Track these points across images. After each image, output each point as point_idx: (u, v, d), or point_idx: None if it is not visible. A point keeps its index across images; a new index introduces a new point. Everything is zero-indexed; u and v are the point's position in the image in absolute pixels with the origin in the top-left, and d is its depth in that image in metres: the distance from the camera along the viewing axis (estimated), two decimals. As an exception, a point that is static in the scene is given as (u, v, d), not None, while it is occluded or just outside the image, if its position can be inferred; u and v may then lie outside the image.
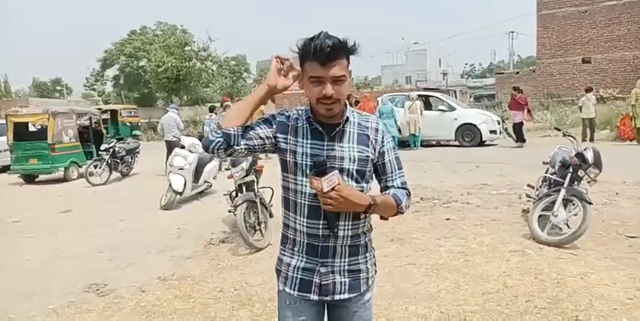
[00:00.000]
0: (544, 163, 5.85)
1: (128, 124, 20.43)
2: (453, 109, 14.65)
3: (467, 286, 3.76)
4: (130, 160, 11.36)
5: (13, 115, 11.34)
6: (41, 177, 11.38)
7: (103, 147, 10.76)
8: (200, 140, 9.22)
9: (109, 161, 10.52)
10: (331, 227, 1.64)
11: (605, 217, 5.54)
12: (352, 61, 1.64)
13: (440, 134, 14.76)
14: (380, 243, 4.87)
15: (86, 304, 3.82)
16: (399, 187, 1.76)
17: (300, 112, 1.73)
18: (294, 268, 1.72)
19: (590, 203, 4.60)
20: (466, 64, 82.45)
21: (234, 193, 5.76)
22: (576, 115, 16.68)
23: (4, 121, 11.69)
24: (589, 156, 4.94)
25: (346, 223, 1.67)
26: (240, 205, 5.04)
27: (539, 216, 4.91)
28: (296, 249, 1.72)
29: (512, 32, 45.66)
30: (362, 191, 1.66)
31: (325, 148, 1.65)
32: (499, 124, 14.59)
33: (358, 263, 1.74)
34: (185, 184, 7.49)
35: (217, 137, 1.65)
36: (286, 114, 1.73)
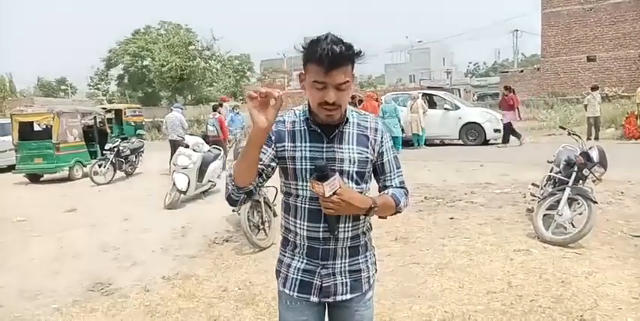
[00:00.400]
0: (549, 162, 5.84)
1: (132, 123, 20.49)
2: (457, 107, 14.62)
3: (471, 285, 3.75)
4: (134, 160, 11.39)
5: (18, 114, 11.39)
6: (46, 176, 11.44)
7: (107, 146, 10.80)
8: (204, 139, 9.26)
9: (114, 160, 10.55)
10: (332, 230, 1.63)
11: (610, 217, 5.51)
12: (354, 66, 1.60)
13: (444, 133, 14.73)
14: (383, 242, 4.87)
15: (90, 303, 3.83)
16: (397, 187, 1.76)
17: (297, 113, 1.69)
18: (295, 269, 1.71)
19: (595, 202, 4.57)
20: (470, 62, 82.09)
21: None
22: (581, 114, 16.62)
23: (9, 121, 11.75)
24: (594, 155, 4.92)
25: (346, 225, 1.66)
26: (244, 204, 5.04)
27: (544, 215, 4.89)
28: (296, 251, 1.71)
29: (517, 30, 45.34)
30: (361, 192, 1.65)
31: (325, 150, 1.63)
32: (503, 122, 14.50)
33: (359, 263, 1.73)
34: (189, 184, 7.50)
35: (240, 197, 1.63)
36: (281, 119, 1.67)
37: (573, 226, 4.73)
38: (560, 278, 3.77)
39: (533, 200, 5.76)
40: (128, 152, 11.00)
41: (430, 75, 56.17)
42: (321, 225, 1.63)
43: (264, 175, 1.63)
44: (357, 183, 1.66)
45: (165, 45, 29.19)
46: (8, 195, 9.71)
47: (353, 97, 15.48)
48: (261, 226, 5.22)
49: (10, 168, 11.86)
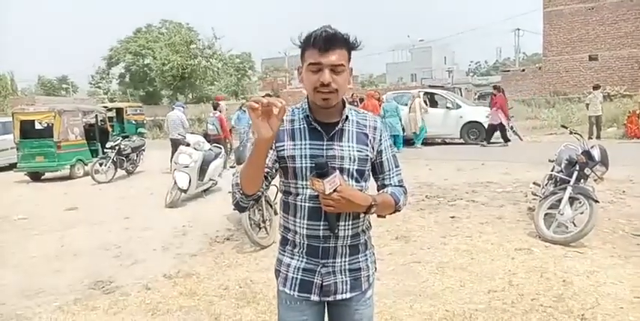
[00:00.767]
0: (550, 161, 5.83)
1: (133, 122, 20.47)
2: (458, 106, 14.59)
3: (472, 284, 3.75)
4: (135, 158, 11.40)
5: (19, 113, 11.41)
6: (47, 175, 11.44)
7: (108, 145, 10.80)
8: (204, 138, 9.25)
9: (115, 159, 10.56)
10: (332, 228, 1.62)
11: (611, 216, 5.51)
12: (357, 59, 1.62)
13: (445, 132, 14.71)
14: (384, 241, 4.87)
15: (92, 301, 3.84)
16: (396, 185, 1.75)
17: (295, 111, 1.69)
18: (295, 268, 1.70)
19: (596, 201, 4.57)
20: (471, 61, 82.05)
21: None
22: (583, 113, 16.60)
23: (10, 119, 11.76)
24: (595, 154, 4.92)
25: (346, 223, 1.65)
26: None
27: (545, 214, 4.89)
28: (296, 250, 1.71)
29: (518, 29, 45.24)
30: (361, 190, 1.65)
31: (325, 147, 1.62)
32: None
33: (359, 262, 1.73)
34: (190, 182, 7.50)
35: (249, 203, 1.63)
36: None
37: (575, 225, 4.73)
38: (562, 277, 3.77)
39: (534, 199, 5.76)
40: (129, 151, 11.01)
41: (431, 74, 56.10)
42: (321, 223, 1.63)
43: (269, 177, 1.64)
44: (357, 181, 1.66)
45: (167, 44, 29.19)
46: (9, 193, 9.72)
47: (352, 96, 15.57)
48: (262, 225, 5.22)
49: (12, 166, 11.88)
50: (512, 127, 14.92)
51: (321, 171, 1.49)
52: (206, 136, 10.71)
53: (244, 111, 12.38)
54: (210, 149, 8.42)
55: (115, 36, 54.09)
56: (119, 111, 20.35)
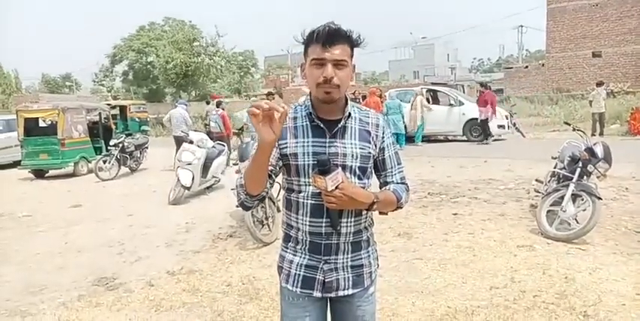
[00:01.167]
0: (553, 157, 5.82)
1: (137, 119, 20.48)
2: (461, 103, 14.56)
3: (474, 280, 3.75)
4: (138, 156, 11.42)
5: (23, 110, 11.44)
6: (51, 172, 11.48)
7: (112, 142, 10.83)
8: (208, 135, 9.28)
9: (118, 156, 10.59)
10: (334, 225, 1.63)
11: (614, 212, 5.50)
12: (359, 56, 1.63)
13: (448, 129, 14.69)
14: (387, 238, 4.88)
15: (95, 297, 3.86)
16: (398, 183, 1.75)
17: (298, 108, 1.70)
18: (297, 265, 1.71)
19: (599, 198, 4.56)
20: (474, 58, 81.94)
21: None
22: (586, 110, 16.55)
23: (14, 117, 11.80)
24: (598, 151, 4.90)
25: (348, 220, 1.66)
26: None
27: (548, 211, 4.89)
28: (299, 247, 1.72)
29: (522, 26, 45.07)
30: (364, 188, 1.65)
31: (327, 145, 1.63)
32: (507, 118, 14.49)
33: (361, 258, 1.74)
34: (193, 179, 7.53)
35: (254, 203, 1.63)
36: None
37: (577, 222, 4.73)
38: (564, 274, 3.77)
39: (537, 196, 5.75)
40: (133, 148, 11.03)
41: (434, 71, 55.99)
42: (324, 220, 1.64)
43: (273, 175, 1.64)
44: (359, 178, 1.66)
45: (170, 41, 29.17)
46: (14, 191, 9.76)
47: (355, 93, 15.53)
48: (265, 222, 5.24)
49: (16, 164, 11.93)
50: (514, 124, 14.91)
51: (324, 168, 1.49)
52: (209, 133, 10.75)
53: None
54: (213, 146, 8.44)
55: (119, 34, 54.18)
56: (122, 108, 20.38)
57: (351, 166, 1.64)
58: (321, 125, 1.64)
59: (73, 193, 8.93)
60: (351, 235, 1.69)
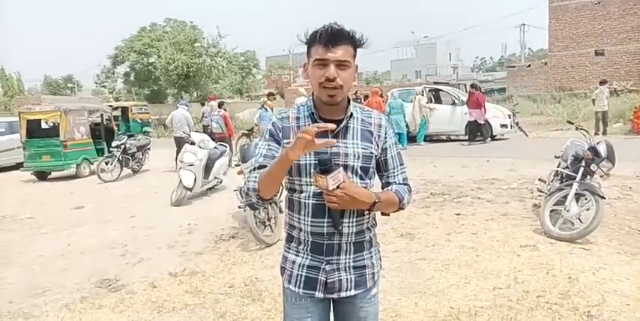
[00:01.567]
0: (556, 157, 5.80)
1: (139, 120, 20.56)
2: (463, 103, 14.51)
3: (477, 281, 3.74)
4: (140, 157, 11.44)
5: (25, 112, 11.46)
6: (53, 174, 11.51)
7: (114, 144, 10.84)
8: (209, 136, 9.28)
9: (120, 158, 10.60)
10: (336, 225, 1.63)
11: (617, 212, 5.47)
12: (361, 56, 1.64)
13: (450, 129, 14.65)
14: (389, 238, 4.87)
15: (98, 299, 3.86)
16: (400, 183, 1.75)
17: (300, 109, 1.70)
18: (299, 265, 1.71)
19: (602, 198, 4.54)
20: (476, 57, 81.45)
21: (244, 189, 5.77)
22: (589, 109, 16.50)
23: (17, 119, 11.82)
24: (602, 150, 4.88)
25: (350, 220, 1.66)
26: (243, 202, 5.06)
27: (551, 211, 4.87)
28: (301, 247, 1.71)
29: (524, 25, 44.91)
30: (366, 188, 1.65)
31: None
32: (510, 118, 14.45)
33: (363, 259, 1.73)
34: (195, 180, 7.53)
35: (264, 205, 1.70)
36: (285, 115, 1.70)
37: (581, 222, 4.70)
38: (568, 274, 3.75)
39: (540, 196, 5.73)
40: (135, 149, 11.05)
41: (436, 70, 55.90)
42: (325, 220, 1.63)
43: None
44: (361, 178, 1.66)
45: (171, 42, 29.21)
46: (16, 192, 9.79)
47: (356, 93, 15.52)
48: (267, 223, 5.23)
49: (18, 166, 11.96)
50: (517, 123, 14.86)
51: (325, 167, 1.50)
52: (211, 134, 10.76)
53: (266, 109, 12.41)
54: (215, 147, 8.45)
55: (120, 35, 54.30)
56: (124, 110, 20.46)
57: (353, 166, 1.64)
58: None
59: (76, 195, 8.94)
60: (354, 235, 1.68)
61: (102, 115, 12.98)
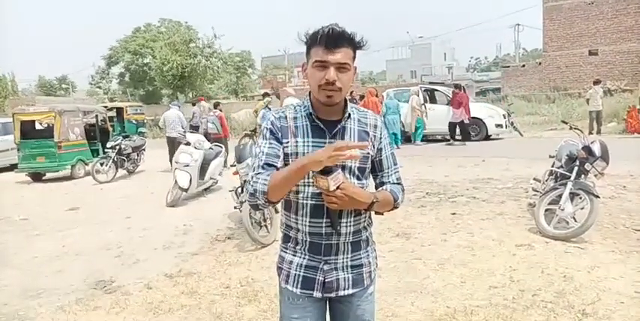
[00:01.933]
0: (550, 156, 5.82)
1: (134, 121, 20.47)
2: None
3: (473, 280, 3.75)
4: (136, 158, 11.41)
5: (19, 113, 11.39)
6: (48, 175, 11.46)
7: (109, 144, 10.81)
8: (205, 136, 9.26)
9: (115, 159, 10.57)
10: (334, 225, 1.64)
11: (612, 211, 5.50)
12: (357, 56, 1.63)
13: (445, 128, 14.66)
14: (385, 238, 4.87)
15: (94, 300, 3.84)
16: (394, 183, 1.77)
17: (297, 108, 1.70)
18: (297, 265, 1.71)
19: (597, 197, 4.56)
20: (471, 57, 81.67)
21: (239, 190, 5.77)
22: (583, 108, 16.58)
23: (10, 120, 11.76)
24: (596, 149, 4.91)
25: (348, 219, 1.67)
26: (245, 201, 5.04)
27: (546, 210, 4.89)
28: (298, 247, 1.72)
29: (518, 25, 45.04)
30: (362, 188, 1.67)
31: (327, 145, 1.63)
32: (505, 118, 14.50)
33: (360, 258, 1.74)
34: (191, 181, 7.51)
35: (268, 206, 1.65)
36: (283, 115, 1.69)
37: (575, 221, 4.72)
38: (563, 273, 3.77)
39: (535, 195, 5.75)
40: (130, 150, 11.02)
41: (431, 70, 56.05)
42: (324, 220, 1.64)
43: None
44: (358, 178, 1.67)
45: (166, 43, 29.13)
46: (11, 194, 9.73)
47: (351, 94, 15.52)
48: (263, 223, 5.22)
49: (13, 167, 11.89)
50: (512, 123, 14.93)
51: (325, 168, 1.50)
52: (206, 135, 10.74)
53: (269, 109, 12.42)
54: (210, 148, 8.43)
55: (115, 36, 54.10)
56: (119, 111, 20.35)
57: (351, 167, 1.65)
58: (321, 126, 1.65)
59: (71, 196, 8.90)
60: (351, 235, 1.69)
61: (96, 115, 12.92)
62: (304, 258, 1.70)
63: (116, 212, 7.17)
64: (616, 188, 6.59)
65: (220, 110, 12.14)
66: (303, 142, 1.64)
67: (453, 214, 5.76)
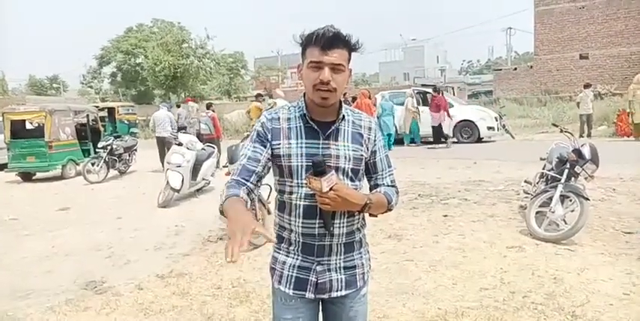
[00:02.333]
0: (541, 159, 5.87)
1: (126, 121, 20.37)
2: (450, 105, 14.61)
3: (464, 282, 3.76)
4: (127, 158, 11.35)
5: (9, 112, 11.29)
6: (38, 175, 11.37)
7: (100, 144, 10.75)
8: (197, 137, 9.24)
9: (107, 159, 10.51)
10: (327, 226, 1.63)
11: (602, 213, 5.55)
12: (351, 58, 1.64)
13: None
14: (377, 240, 4.88)
15: (84, 301, 3.81)
16: (388, 185, 1.77)
17: (292, 109, 1.70)
18: (290, 266, 1.71)
19: (587, 199, 4.60)
20: (464, 60, 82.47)
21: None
22: (574, 112, 16.71)
23: (0, 119, 11.65)
24: (586, 152, 4.95)
25: (341, 221, 1.67)
26: None
27: (537, 212, 4.92)
28: (291, 248, 1.72)
29: (510, 28, 45.37)
30: (356, 189, 1.67)
31: (321, 146, 1.63)
32: (497, 120, 14.59)
33: (354, 259, 1.74)
34: (183, 182, 7.48)
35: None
36: (276, 116, 1.68)
37: (566, 223, 4.76)
38: (553, 275, 3.80)
39: (526, 197, 5.79)
40: (121, 150, 10.96)
41: (424, 73, 56.21)
42: (317, 221, 1.64)
43: (262, 176, 1.66)
44: (351, 180, 1.67)
45: (159, 43, 29.01)
46: (0, 194, 9.63)
47: (344, 95, 15.55)
48: (256, 224, 5.20)
49: (2, 167, 11.78)
50: (504, 126, 15.02)
51: (319, 169, 1.50)
52: (199, 135, 10.71)
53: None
54: (202, 149, 8.40)
55: (107, 35, 53.78)
56: (111, 110, 20.24)
57: (344, 168, 1.65)
58: (315, 127, 1.64)
59: (61, 196, 8.84)
60: (344, 236, 1.69)
61: (88, 115, 12.84)
62: (297, 259, 1.70)
63: (107, 213, 7.12)
64: (606, 191, 6.65)
65: (213, 111, 12.11)
66: (297, 143, 1.63)
67: (445, 216, 5.78)
